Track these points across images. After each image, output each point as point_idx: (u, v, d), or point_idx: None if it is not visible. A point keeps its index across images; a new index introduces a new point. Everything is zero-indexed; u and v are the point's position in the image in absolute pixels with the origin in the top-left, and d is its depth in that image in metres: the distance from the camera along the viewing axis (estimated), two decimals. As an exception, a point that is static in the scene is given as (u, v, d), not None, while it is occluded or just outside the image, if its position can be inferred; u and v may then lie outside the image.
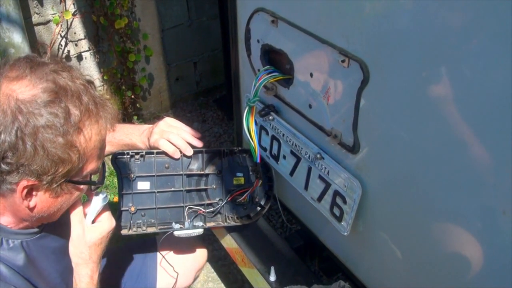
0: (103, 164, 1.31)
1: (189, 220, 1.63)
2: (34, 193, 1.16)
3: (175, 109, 4.12)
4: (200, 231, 1.68)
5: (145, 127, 1.68)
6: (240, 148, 1.74)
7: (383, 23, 1.22)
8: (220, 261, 2.98)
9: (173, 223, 1.70)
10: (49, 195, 1.18)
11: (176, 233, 1.66)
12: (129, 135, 1.67)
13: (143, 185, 1.63)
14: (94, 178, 1.30)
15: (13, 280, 1.22)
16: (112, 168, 1.59)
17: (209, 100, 4.38)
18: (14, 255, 1.26)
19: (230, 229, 1.98)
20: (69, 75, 1.14)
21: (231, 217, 1.76)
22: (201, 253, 2.07)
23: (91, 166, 1.21)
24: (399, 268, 1.54)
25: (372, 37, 1.27)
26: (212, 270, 2.74)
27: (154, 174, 1.62)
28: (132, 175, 1.60)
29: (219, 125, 4.08)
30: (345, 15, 1.32)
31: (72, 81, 1.13)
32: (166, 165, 1.63)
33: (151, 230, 1.71)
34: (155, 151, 1.61)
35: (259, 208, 1.80)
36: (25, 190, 1.13)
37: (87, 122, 1.14)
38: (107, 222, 1.41)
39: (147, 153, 1.61)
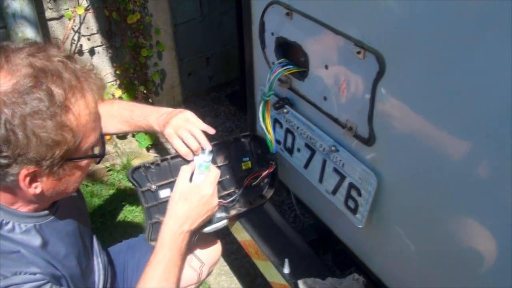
0: (102, 135, 1.28)
1: (213, 215, 1.62)
2: (37, 179, 1.15)
3: (187, 104, 4.13)
4: (225, 222, 1.67)
5: (164, 110, 1.64)
6: (242, 134, 1.72)
7: (400, 13, 1.21)
8: (233, 255, 2.99)
9: None
10: (52, 177, 1.17)
11: (205, 230, 1.64)
12: (146, 117, 1.64)
13: (165, 193, 1.59)
14: (96, 150, 1.28)
15: (35, 260, 1.23)
16: (132, 182, 1.55)
17: (221, 95, 4.39)
18: (28, 238, 1.26)
19: (244, 220, 1.98)
20: (45, 55, 1.11)
21: (248, 201, 1.75)
22: (216, 248, 2.07)
23: (89, 140, 1.19)
24: (414, 262, 1.53)
25: (389, 28, 1.27)
26: (225, 264, 2.75)
27: (172, 179, 1.60)
28: (153, 187, 1.58)
29: (231, 120, 4.09)
30: (361, 6, 1.32)
31: (49, 60, 1.10)
32: (181, 167, 1.61)
33: None
34: (169, 156, 1.59)
35: (269, 187, 1.79)
36: (27, 178, 1.13)
37: (73, 99, 1.11)
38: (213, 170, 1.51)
39: (161, 160, 1.58)
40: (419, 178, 1.37)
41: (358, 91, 1.43)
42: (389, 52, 1.29)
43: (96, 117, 1.21)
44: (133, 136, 3.72)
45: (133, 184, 1.53)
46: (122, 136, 3.71)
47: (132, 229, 3.06)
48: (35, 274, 1.19)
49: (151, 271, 1.37)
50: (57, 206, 1.37)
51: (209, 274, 2.13)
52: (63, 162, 1.15)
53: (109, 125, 1.63)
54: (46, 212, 1.32)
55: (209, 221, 1.61)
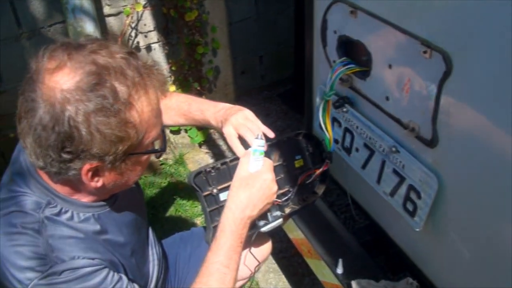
0: (163, 130, 1.28)
1: (270, 214, 1.62)
2: (99, 173, 1.17)
3: (239, 102, 4.14)
4: (281, 220, 1.67)
5: (221, 105, 1.63)
6: (294, 132, 1.72)
7: (468, 12, 1.19)
8: (281, 253, 3.00)
9: (256, 221, 1.68)
10: (114, 172, 1.19)
11: (262, 229, 1.65)
12: (203, 111, 1.63)
13: (224, 196, 1.59)
14: (156, 145, 1.29)
15: (93, 245, 1.26)
16: (194, 187, 1.54)
17: (273, 94, 4.40)
18: (87, 226, 1.28)
19: (297, 218, 1.98)
20: (107, 52, 1.11)
21: (302, 198, 1.75)
22: (266, 246, 2.07)
23: (151, 135, 1.20)
24: (471, 268, 1.50)
25: (457, 27, 1.24)
26: (273, 261, 2.75)
27: (231, 182, 1.61)
28: (214, 191, 1.58)
29: (282, 119, 4.09)
30: (428, 4, 1.30)
31: (112, 57, 1.10)
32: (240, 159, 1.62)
33: None
34: (228, 160, 1.58)
35: (320, 183, 1.78)
36: (90, 173, 1.14)
37: (136, 96, 1.11)
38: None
39: (221, 164, 1.58)
40: (482, 182, 1.34)
41: (422, 91, 1.41)
42: (456, 52, 1.26)
43: (158, 113, 1.22)
44: (186, 131, 3.77)
45: (195, 189, 1.54)
46: (175, 131, 3.77)
47: (183, 223, 3.10)
48: (93, 259, 1.22)
49: (212, 257, 1.37)
50: (116, 197, 1.39)
51: (258, 270, 2.13)
52: (125, 157, 1.16)
53: (166, 117, 1.65)
54: (105, 202, 1.35)
55: (265, 220, 1.61)
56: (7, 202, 1.24)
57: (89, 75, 1.06)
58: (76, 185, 1.23)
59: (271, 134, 1.57)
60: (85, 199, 1.28)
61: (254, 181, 1.44)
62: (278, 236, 3.00)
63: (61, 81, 1.05)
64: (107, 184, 1.22)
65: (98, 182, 1.18)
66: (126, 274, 1.38)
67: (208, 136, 3.88)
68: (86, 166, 1.12)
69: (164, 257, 1.79)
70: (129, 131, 1.11)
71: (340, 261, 1.81)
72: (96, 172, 1.16)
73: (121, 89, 1.08)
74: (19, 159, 1.32)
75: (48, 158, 1.09)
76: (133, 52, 1.17)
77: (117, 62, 1.10)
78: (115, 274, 1.25)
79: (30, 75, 1.09)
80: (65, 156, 1.08)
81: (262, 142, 1.48)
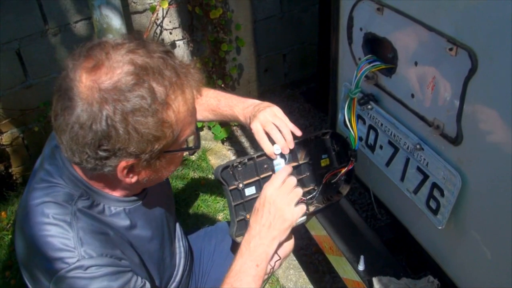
0: (197, 128, 1.29)
1: None
2: (134, 170, 1.18)
3: (262, 100, 4.15)
4: (304, 218, 1.68)
5: (250, 102, 1.63)
6: (322, 131, 1.72)
7: (494, 10, 1.19)
8: (302, 250, 3.01)
9: None
10: (148, 169, 1.20)
11: None
12: (232, 107, 1.64)
13: (250, 191, 1.60)
14: (190, 143, 1.29)
15: (122, 244, 1.28)
16: (221, 181, 1.54)
17: (296, 93, 4.41)
18: (118, 220, 1.30)
19: (320, 215, 1.99)
20: (145, 51, 1.11)
21: (326, 197, 1.76)
22: (289, 242, 2.07)
23: (185, 133, 1.21)
24: (494, 269, 1.49)
25: (483, 25, 1.24)
26: (294, 258, 2.76)
27: (257, 177, 1.62)
28: (240, 185, 1.58)
29: (305, 117, 4.10)
30: (454, 1, 1.30)
31: (149, 57, 1.10)
32: (265, 166, 1.62)
33: None
34: (255, 155, 1.58)
35: (345, 183, 1.78)
36: (125, 170, 1.16)
37: (173, 96, 1.11)
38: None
39: (248, 159, 1.59)
40: (505, 180, 1.33)
41: (448, 89, 1.41)
42: (482, 49, 1.26)
43: (193, 112, 1.22)
44: (210, 128, 3.81)
45: (221, 183, 1.55)
46: (199, 127, 3.81)
47: (205, 218, 3.13)
48: (120, 259, 1.23)
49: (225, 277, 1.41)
50: (146, 191, 1.41)
51: (279, 266, 2.14)
52: (161, 154, 1.17)
53: (197, 112, 1.67)
54: (136, 197, 1.37)
55: None
56: (40, 191, 1.25)
57: (127, 75, 1.06)
58: (110, 180, 1.25)
59: (298, 133, 1.57)
60: (117, 193, 1.30)
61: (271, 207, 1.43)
62: (299, 234, 3.00)
63: (99, 80, 1.06)
64: (141, 180, 1.23)
65: (132, 178, 1.20)
66: (150, 273, 1.41)
67: (231, 133, 3.91)
68: (122, 164, 1.13)
69: (190, 250, 1.82)
70: (165, 131, 1.12)
71: (362, 258, 1.82)
72: (131, 169, 1.17)
73: (159, 89, 1.09)
74: (52, 149, 1.34)
75: (84, 155, 1.10)
76: (170, 50, 1.17)
77: (154, 62, 1.10)
78: (139, 279, 1.26)
79: (67, 72, 1.10)
80: (101, 153, 1.09)
81: (282, 161, 1.51)
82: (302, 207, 1.46)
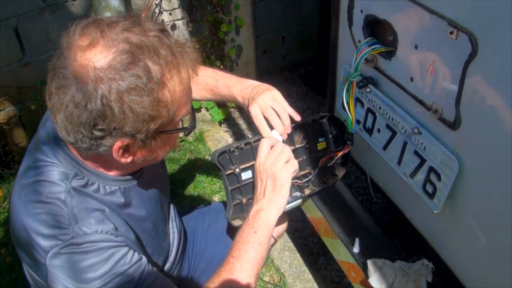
0: (192, 108, 1.29)
1: (289, 194, 1.63)
2: (129, 150, 1.18)
3: (260, 81, 4.16)
4: (300, 201, 1.69)
5: (249, 82, 1.62)
6: (319, 114, 1.71)
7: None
8: (297, 233, 3.03)
9: None
10: (144, 149, 1.20)
11: None
12: (230, 88, 1.63)
13: (246, 175, 1.61)
14: (185, 123, 1.30)
15: (117, 221, 1.28)
16: (218, 166, 1.56)
17: (294, 75, 4.40)
18: (112, 198, 1.30)
19: (316, 198, 1.99)
20: (140, 29, 1.09)
21: (322, 180, 1.76)
22: (282, 224, 2.08)
23: (181, 113, 1.21)
24: (488, 254, 1.50)
25: (485, 9, 1.23)
26: (289, 240, 2.78)
27: (253, 162, 1.61)
28: (237, 170, 1.59)
29: (303, 100, 4.09)
30: (457, -16, 1.29)
31: (145, 35, 1.09)
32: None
33: None
34: (252, 140, 1.58)
35: (341, 165, 1.79)
36: (121, 150, 1.16)
37: (168, 75, 1.11)
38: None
39: (245, 144, 1.59)
40: (502, 166, 1.33)
41: (447, 72, 1.40)
42: (483, 33, 1.25)
43: (189, 92, 1.22)
44: (207, 109, 3.80)
45: (218, 168, 1.55)
46: (196, 109, 3.79)
47: (201, 199, 3.14)
48: (116, 236, 1.23)
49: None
50: (142, 171, 1.41)
51: (272, 245, 2.16)
52: (156, 134, 1.17)
53: (194, 91, 1.64)
54: (132, 177, 1.37)
55: None
56: (34, 170, 1.26)
57: (122, 53, 1.05)
58: (106, 160, 1.25)
59: (297, 117, 1.57)
60: (112, 172, 1.30)
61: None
62: (294, 216, 3.03)
63: (94, 59, 1.05)
64: (136, 160, 1.23)
65: (128, 158, 1.20)
66: (145, 249, 1.41)
67: (229, 114, 3.90)
68: (117, 143, 1.13)
69: (183, 231, 1.82)
70: (161, 110, 1.11)
71: (357, 241, 1.83)
72: (126, 149, 1.17)
73: (154, 68, 1.08)
74: (47, 128, 1.33)
75: (79, 134, 1.10)
76: (165, 29, 1.16)
77: (150, 40, 1.09)
78: (135, 253, 1.26)
79: (61, 50, 1.09)
80: (96, 133, 1.09)
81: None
82: (294, 163, 1.49)
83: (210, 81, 1.67)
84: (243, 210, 1.65)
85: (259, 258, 1.37)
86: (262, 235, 1.39)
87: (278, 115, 1.53)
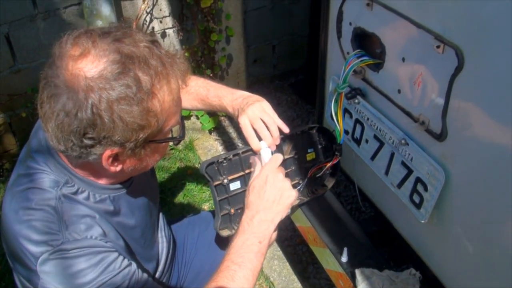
0: (182, 117, 1.30)
1: None
2: (119, 159, 1.19)
3: (250, 90, 4.13)
4: (289, 211, 1.70)
5: (239, 93, 1.64)
6: (308, 126, 1.73)
7: (483, 9, 1.21)
8: (287, 241, 3.03)
9: None
10: (133, 158, 1.21)
11: None
12: (221, 98, 1.64)
13: (234, 186, 1.62)
14: (175, 133, 1.30)
15: (107, 227, 1.28)
16: (206, 177, 1.57)
17: (285, 84, 4.42)
18: (101, 206, 1.31)
19: (305, 207, 2.01)
20: (131, 40, 1.11)
21: (311, 190, 1.78)
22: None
23: (170, 123, 1.22)
24: (475, 263, 1.52)
25: (470, 24, 1.26)
26: (278, 249, 2.78)
27: (242, 172, 1.63)
28: (225, 180, 1.60)
29: (293, 108, 4.11)
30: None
31: (135, 46, 1.10)
32: (251, 160, 1.63)
33: None
34: (241, 151, 1.59)
35: (330, 176, 1.80)
36: (110, 159, 1.17)
37: (158, 86, 1.12)
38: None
39: (234, 155, 1.60)
40: (488, 177, 1.36)
41: (434, 85, 1.43)
42: (469, 48, 1.28)
43: (178, 102, 1.23)
44: (197, 117, 3.80)
45: (206, 179, 1.56)
46: (186, 117, 3.80)
47: (190, 208, 3.14)
48: (106, 241, 1.24)
49: (225, 255, 1.38)
50: (131, 180, 1.41)
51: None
52: (145, 144, 1.18)
53: (185, 101, 1.66)
54: (121, 185, 1.37)
55: None
56: (25, 178, 1.26)
57: (113, 63, 1.07)
58: (96, 169, 1.26)
59: (286, 129, 1.59)
60: (102, 181, 1.31)
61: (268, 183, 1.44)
62: (283, 225, 3.00)
63: (85, 68, 1.06)
64: (126, 169, 1.24)
65: (117, 167, 1.21)
66: (135, 257, 1.41)
67: (219, 123, 3.91)
68: (107, 152, 1.14)
69: (173, 240, 1.83)
70: (150, 120, 1.12)
71: (345, 250, 1.84)
72: (116, 158, 1.18)
73: (144, 78, 1.09)
74: (38, 136, 1.34)
75: (70, 142, 1.11)
76: (156, 40, 1.18)
77: (140, 51, 1.11)
78: (125, 259, 1.26)
79: (53, 60, 1.10)
80: (86, 141, 1.10)
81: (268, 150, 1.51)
82: (296, 191, 1.47)
83: (201, 91, 1.69)
84: (232, 220, 1.65)
85: (258, 269, 1.36)
86: (265, 246, 1.38)
87: (267, 127, 1.54)
